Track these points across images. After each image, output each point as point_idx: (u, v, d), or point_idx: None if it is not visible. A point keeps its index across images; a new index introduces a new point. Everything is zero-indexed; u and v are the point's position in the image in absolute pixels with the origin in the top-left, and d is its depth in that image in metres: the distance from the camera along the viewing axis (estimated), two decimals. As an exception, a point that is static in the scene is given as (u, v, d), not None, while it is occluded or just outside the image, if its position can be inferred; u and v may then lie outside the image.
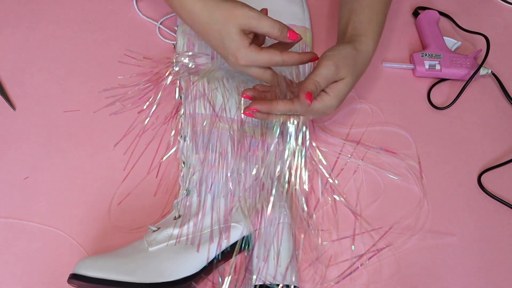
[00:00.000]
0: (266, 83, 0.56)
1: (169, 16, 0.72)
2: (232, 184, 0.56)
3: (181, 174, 0.57)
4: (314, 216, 0.58)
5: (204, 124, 0.59)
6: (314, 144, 0.62)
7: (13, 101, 0.65)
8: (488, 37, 0.70)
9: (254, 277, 0.50)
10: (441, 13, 0.75)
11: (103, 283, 0.47)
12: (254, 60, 0.52)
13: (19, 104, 0.65)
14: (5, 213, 0.57)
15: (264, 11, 0.55)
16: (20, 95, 0.65)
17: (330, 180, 0.60)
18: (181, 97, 0.63)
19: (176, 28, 0.69)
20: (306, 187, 0.58)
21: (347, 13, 0.61)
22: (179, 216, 0.54)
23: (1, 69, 0.67)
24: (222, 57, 0.55)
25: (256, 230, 0.53)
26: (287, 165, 0.59)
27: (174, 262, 0.49)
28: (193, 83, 0.61)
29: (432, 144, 0.65)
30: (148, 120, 0.63)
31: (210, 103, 0.60)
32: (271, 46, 0.56)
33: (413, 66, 0.70)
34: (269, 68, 0.55)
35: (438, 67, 0.68)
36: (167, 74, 0.65)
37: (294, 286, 0.51)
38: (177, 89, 0.64)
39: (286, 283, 0.50)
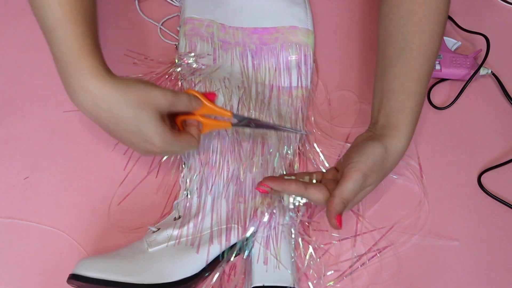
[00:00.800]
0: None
1: (170, 16, 0.72)
2: (232, 185, 0.56)
3: (182, 175, 0.57)
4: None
5: None
6: (315, 144, 0.62)
7: (14, 101, 0.64)
8: (488, 37, 0.70)
9: (253, 278, 0.50)
10: (441, 13, 0.75)
11: (102, 284, 0.47)
12: (171, 147, 0.48)
13: (19, 104, 0.64)
14: (5, 213, 0.57)
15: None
16: (20, 95, 0.65)
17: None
18: None
19: (178, 29, 0.69)
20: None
21: (379, 95, 0.54)
22: (179, 217, 0.54)
23: (1, 69, 0.67)
24: (131, 146, 0.49)
25: (256, 231, 0.53)
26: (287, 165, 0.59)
27: (174, 263, 0.49)
28: (195, 84, 0.61)
29: (432, 144, 0.65)
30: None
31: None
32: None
33: (413, 66, 0.70)
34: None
35: (438, 67, 0.68)
36: (170, 73, 0.65)
37: None
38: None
39: (285, 285, 0.50)
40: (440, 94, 0.69)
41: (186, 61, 0.64)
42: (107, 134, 0.60)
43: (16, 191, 0.59)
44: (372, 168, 0.48)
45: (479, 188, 0.62)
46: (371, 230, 0.58)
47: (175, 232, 0.52)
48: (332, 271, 0.56)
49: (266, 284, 0.50)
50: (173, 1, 0.73)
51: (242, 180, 0.56)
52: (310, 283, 0.54)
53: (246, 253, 0.54)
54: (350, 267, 0.56)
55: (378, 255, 0.57)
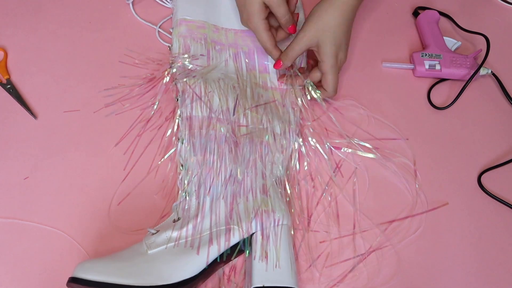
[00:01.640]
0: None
1: (167, 18, 0.72)
2: (230, 186, 0.56)
3: (180, 177, 0.57)
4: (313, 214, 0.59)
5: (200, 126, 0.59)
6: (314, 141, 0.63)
7: (14, 100, 0.65)
8: (488, 37, 0.70)
9: (253, 279, 0.50)
10: (441, 13, 0.75)
11: (102, 286, 0.46)
12: (257, 32, 0.62)
13: (19, 104, 0.64)
14: (5, 213, 0.57)
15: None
16: (20, 95, 0.65)
17: (334, 178, 0.60)
18: (177, 100, 0.62)
19: (171, 30, 0.69)
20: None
21: None
22: (178, 219, 0.54)
23: (1, 69, 0.67)
24: (238, 9, 0.62)
25: (256, 232, 0.53)
26: (284, 166, 0.59)
27: (174, 264, 0.49)
28: (189, 86, 0.61)
29: (431, 144, 0.65)
30: (148, 120, 0.63)
31: (206, 105, 0.60)
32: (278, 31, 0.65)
33: (413, 66, 0.70)
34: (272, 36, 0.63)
35: (438, 67, 0.68)
36: (166, 74, 0.65)
37: None
38: (174, 92, 0.64)
39: (286, 285, 0.50)
40: (440, 94, 0.69)
41: (180, 62, 0.64)
42: (111, 130, 0.63)
43: (16, 191, 0.59)
44: (335, 52, 0.60)
45: (479, 188, 0.62)
46: (368, 229, 0.58)
47: (174, 234, 0.52)
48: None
49: (266, 285, 0.50)
50: (165, 3, 0.73)
51: (240, 180, 0.56)
52: (310, 283, 0.55)
53: (247, 253, 0.54)
54: (351, 269, 0.56)
55: (377, 253, 0.57)
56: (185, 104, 0.60)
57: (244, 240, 0.53)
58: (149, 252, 0.50)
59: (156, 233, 0.52)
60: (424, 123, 0.66)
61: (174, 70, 0.63)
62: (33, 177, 0.60)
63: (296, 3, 0.64)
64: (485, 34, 0.70)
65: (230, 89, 0.62)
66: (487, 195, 0.62)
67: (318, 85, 0.64)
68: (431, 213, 0.60)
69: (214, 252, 0.51)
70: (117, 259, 0.49)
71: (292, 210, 0.58)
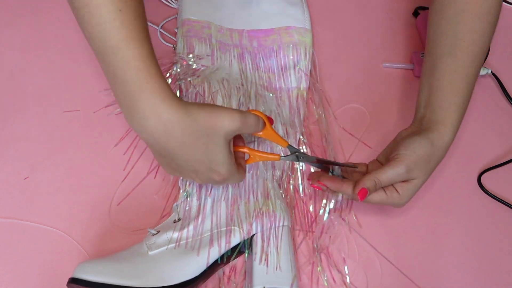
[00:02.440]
0: None
1: (169, 19, 0.72)
2: (232, 187, 0.56)
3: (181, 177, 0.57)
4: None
5: None
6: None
7: (14, 101, 0.65)
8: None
9: (254, 280, 0.50)
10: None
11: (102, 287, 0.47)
12: (231, 177, 0.48)
13: (19, 104, 0.64)
14: (5, 213, 0.57)
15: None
16: (20, 95, 0.65)
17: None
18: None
19: (176, 30, 0.69)
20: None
21: (427, 90, 0.55)
22: (179, 219, 0.54)
23: (1, 69, 0.67)
24: (192, 174, 0.47)
25: (256, 233, 0.53)
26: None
27: (174, 266, 0.49)
28: (194, 86, 0.61)
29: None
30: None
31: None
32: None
33: (413, 66, 0.70)
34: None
35: None
36: (167, 75, 0.65)
37: None
38: (178, 91, 0.64)
39: (286, 287, 0.50)
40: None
41: (185, 62, 0.63)
42: (111, 130, 0.60)
43: (16, 191, 0.59)
44: (417, 162, 0.50)
45: (479, 188, 0.62)
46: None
47: (175, 234, 0.51)
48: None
49: (266, 286, 0.50)
50: (170, 3, 0.73)
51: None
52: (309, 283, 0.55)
53: (247, 255, 0.54)
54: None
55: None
56: None
57: (244, 241, 0.53)
58: (149, 253, 0.50)
59: (156, 233, 0.52)
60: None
61: (178, 69, 0.63)
62: (33, 177, 0.60)
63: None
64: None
65: (234, 90, 0.62)
66: (487, 195, 0.62)
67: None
68: (430, 213, 0.60)
69: (214, 253, 0.51)
70: (118, 260, 0.49)
71: (292, 215, 0.58)
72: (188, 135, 0.42)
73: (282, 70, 0.66)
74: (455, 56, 0.54)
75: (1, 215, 0.57)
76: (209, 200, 0.55)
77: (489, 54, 0.68)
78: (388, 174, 0.50)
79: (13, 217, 0.57)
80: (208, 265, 0.50)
